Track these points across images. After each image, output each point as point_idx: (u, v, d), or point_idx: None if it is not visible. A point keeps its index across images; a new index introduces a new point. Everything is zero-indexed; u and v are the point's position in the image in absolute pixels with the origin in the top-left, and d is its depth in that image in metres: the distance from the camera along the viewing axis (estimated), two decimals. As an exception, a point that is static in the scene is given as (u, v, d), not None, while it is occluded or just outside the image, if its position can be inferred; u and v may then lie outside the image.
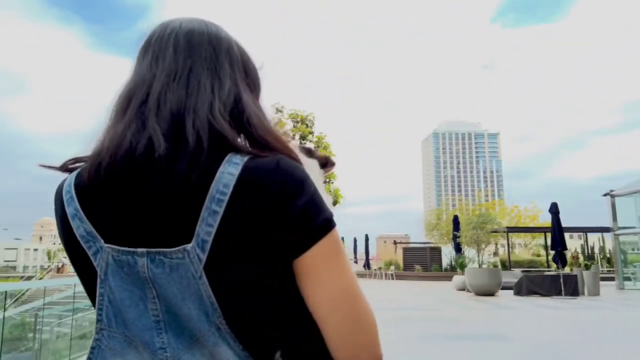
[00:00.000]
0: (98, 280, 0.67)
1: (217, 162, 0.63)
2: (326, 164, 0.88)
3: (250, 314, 0.64)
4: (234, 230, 0.61)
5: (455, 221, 19.63)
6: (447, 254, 24.41)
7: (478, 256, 17.27)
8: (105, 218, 0.67)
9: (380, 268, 26.92)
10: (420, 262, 25.66)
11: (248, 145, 0.69)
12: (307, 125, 12.85)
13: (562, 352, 6.58)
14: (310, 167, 0.78)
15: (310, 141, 12.80)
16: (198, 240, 0.61)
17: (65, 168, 0.74)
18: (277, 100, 13.20)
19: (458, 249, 18.95)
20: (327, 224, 0.65)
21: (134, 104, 0.68)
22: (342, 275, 0.66)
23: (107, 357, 0.67)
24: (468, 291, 15.83)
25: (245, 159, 0.63)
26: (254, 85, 0.78)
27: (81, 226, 0.67)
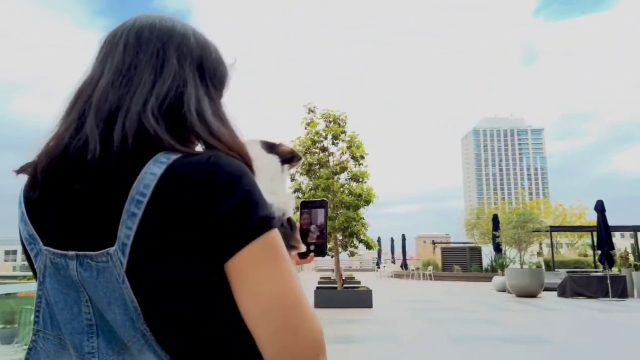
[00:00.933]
0: (37, 283, 0.67)
1: (144, 162, 0.61)
2: (291, 159, 0.84)
3: (176, 319, 0.61)
4: (153, 232, 0.59)
5: (495, 220, 19.05)
6: (488, 254, 23.74)
7: (520, 256, 16.71)
8: (44, 221, 0.67)
9: (418, 269, 26.51)
10: (459, 262, 25.09)
11: (201, 145, 0.67)
12: (339, 125, 12.81)
13: (607, 359, 6.25)
14: (268, 164, 0.75)
15: (343, 141, 12.75)
16: (119, 244, 0.59)
17: (22, 170, 0.73)
18: (310, 101, 13.26)
19: (498, 249, 18.36)
20: (260, 226, 0.61)
21: (79, 104, 0.68)
22: (278, 281, 0.61)
23: (41, 359, 0.67)
24: (509, 293, 15.35)
25: (174, 158, 0.61)
26: (213, 82, 0.75)
27: (25, 229, 0.68)
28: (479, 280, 22.48)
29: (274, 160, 0.78)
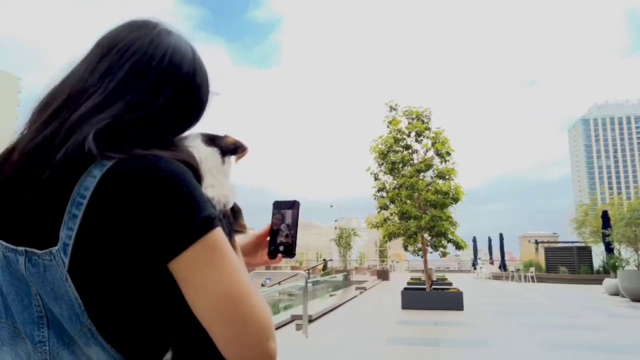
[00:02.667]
0: None
1: (87, 166, 0.63)
2: (235, 149, 0.84)
3: (120, 316, 0.64)
4: (93, 232, 0.61)
5: (605, 217, 17.30)
6: (599, 254, 21.57)
7: (637, 257, 14.97)
8: (4, 213, 0.70)
9: (518, 270, 24.86)
10: (565, 263, 23.08)
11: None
12: (422, 121, 12.46)
13: None
14: (205, 157, 0.76)
15: (427, 137, 12.38)
16: (61, 243, 0.62)
17: None
18: (390, 98, 13.05)
19: (608, 248, 16.62)
20: (201, 228, 0.63)
21: (50, 109, 0.71)
22: (222, 279, 0.63)
23: None
24: (622, 296, 13.84)
25: (114, 161, 0.63)
26: (179, 98, 0.76)
27: None
28: (587, 282, 20.54)
29: (212, 152, 0.78)
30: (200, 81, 0.79)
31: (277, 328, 8.68)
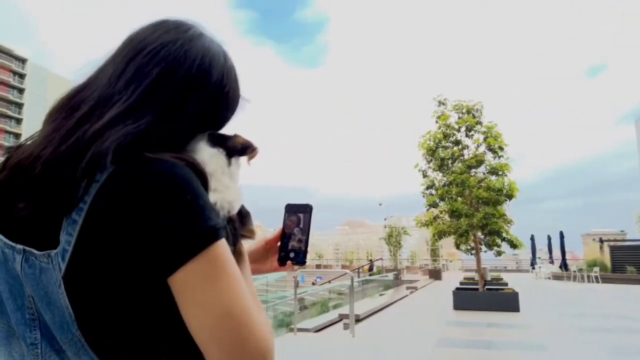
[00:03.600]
0: None
1: (95, 171, 0.61)
2: (243, 150, 0.79)
3: (112, 330, 0.61)
4: (92, 241, 0.59)
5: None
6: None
7: None
8: (2, 208, 0.69)
9: (580, 270, 23.52)
10: (634, 262, 21.60)
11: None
12: (473, 115, 12.02)
13: None
14: (208, 159, 0.72)
15: (478, 132, 11.92)
16: (61, 248, 0.60)
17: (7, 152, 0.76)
18: (439, 93, 12.70)
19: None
20: (204, 240, 0.59)
21: (77, 115, 0.68)
22: (222, 297, 0.59)
23: None
24: (699, 299, 12.77)
25: (119, 165, 0.60)
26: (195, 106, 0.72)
27: None
28: (660, 283, 19.11)
29: (217, 154, 0.74)
30: (229, 88, 0.77)
31: (325, 327, 8.68)
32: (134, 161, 0.61)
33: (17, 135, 76.14)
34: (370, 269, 30.13)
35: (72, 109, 0.68)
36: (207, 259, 0.59)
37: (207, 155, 0.72)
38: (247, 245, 0.86)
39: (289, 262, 0.96)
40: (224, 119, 0.80)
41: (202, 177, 0.65)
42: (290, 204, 0.99)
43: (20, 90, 79.06)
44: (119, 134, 0.63)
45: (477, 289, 11.53)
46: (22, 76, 79.53)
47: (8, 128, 76.56)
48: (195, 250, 0.58)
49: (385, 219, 34.47)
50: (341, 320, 8.93)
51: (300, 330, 8.00)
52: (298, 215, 0.97)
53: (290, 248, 0.96)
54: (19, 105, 78.93)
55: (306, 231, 0.96)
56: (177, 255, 0.58)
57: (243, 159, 0.81)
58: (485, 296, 11.10)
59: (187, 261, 0.58)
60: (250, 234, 0.84)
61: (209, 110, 0.75)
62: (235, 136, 0.79)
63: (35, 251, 0.62)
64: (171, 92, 0.70)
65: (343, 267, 36.83)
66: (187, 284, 0.59)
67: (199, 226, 0.59)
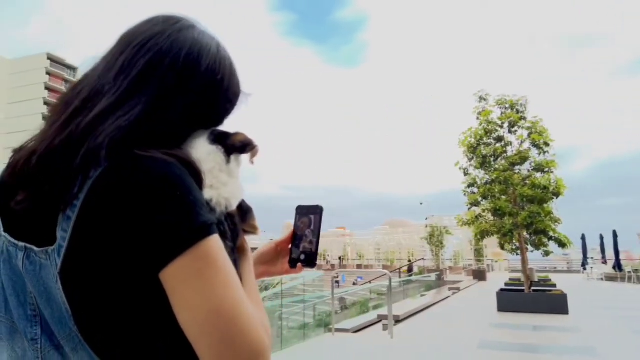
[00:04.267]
0: None
1: (90, 168, 0.61)
2: (243, 148, 0.77)
3: (107, 326, 0.61)
4: (85, 237, 0.59)
5: None
6: None
7: None
8: (8, 207, 0.69)
9: (636, 270, 22.27)
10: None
11: None
12: (517, 110, 11.59)
13: None
14: (206, 156, 0.71)
15: (521, 127, 11.47)
16: (57, 244, 0.61)
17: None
18: (481, 88, 12.33)
19: None
20: (194, 235, 0.58)
21: (69, 110, 0.68)
22: (212, 294, 0.58)
23: None
24: None
25: (110, 162, 0.60)
26: (187, 96, 0.72)
27: None
28: None
29: (214, 151, 0.73)
30: (222, 78, 0.75)
31: (364, 328, 8.61)
32: (125, 158, 0.60)
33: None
34: (410, 270, 29.61)
35: (67, 104, 0.69)
36: (196, 254, 0.58)
37: (205, 152, 0.72)
38: (251, 241, 0.84)
39: (299, 265, 0.95)
40: (221, 112, 0.79)
41: (195, 173, 0.65)
42: (301, 205, 0.98)
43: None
44: (112, 128, 0.63)
45: (522, 290, 11.13)
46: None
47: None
48: (185, 246, 0.58)
49: (426, 219, 33.89)
50: (380, 321, 8.84)
51: (338, 330, 7.97)
52: (309, 216, 0.97)
53: (301, 250, 0.95)
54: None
55: (317, 233, 0.95)
56: (166, 250, 0.58)
57: (245, 157, 0.79)
58: (531, 298, 10.69)
59: (177, 257, 0.57)
60: (253, 230, 0.83)
61: (202, 101, 0.73)
62: (236, 134, 0.78)
63: (35, 248, 0.63)
64: (158, 82, 0.69)
65: (384, 267, 36.51)
66: (176, 280, 0.58)
67: (189, 222, 0.59)
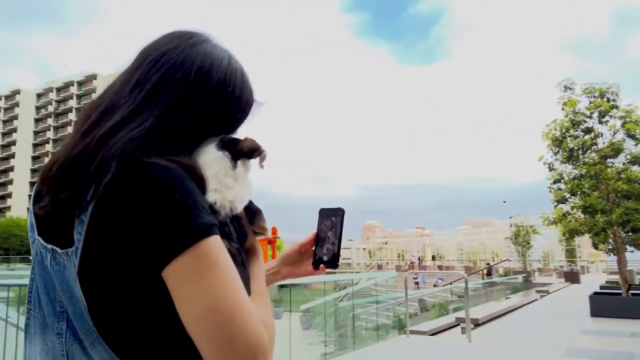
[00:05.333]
0: (31, 267, 0.80)
1: (103, 176, 0.65)
2: (250, 153, 0.80)
3: (120, 322, 0.65)
4: (96, 239, 0.64)
5: None
6: None
7: None
8: (41, 212, 0.77)
9: None
10: None
11: None
12: (608, 99, 10.64)
13: None
14: (211, 162, 0.75)
15: (613, 117, 10.46)
16: (75, 246, 0.66)
17: None
18: (565, 77, 11.49)
19: None
20: (191, 236, 0.61)
21: (88, 122, 0.74)
22: (211, 292, 0.60)
23: (31, 335, 0.77)
24: None
25: (115, 171, 0.64)
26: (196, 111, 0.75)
27: (29, 217, 0.81)
28: None
29: (220, 156, 0.76)
30: (233, 89, 0.79)
31: (442, 331, 8.36)
32: (131, 166, 0.64)
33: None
34: (489, 273, 28.00)
35: (87, 117, 0.75)
36: (195, 255, 0.61)
37: (212, 158, 0.75)
38: (256, 239, 0.86)
39: (322, 266, 0.98)
40: (234, 121, 0.82)
41: (198, 178, 0.68)
42: (324, 208, 1.01)
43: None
44: (123, 139, 0.68)
45: (619, 294, 10.19)
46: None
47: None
48: (184, 246, 0.60)
49: (510, 217, 32.11)
50: (459, 324, 8.53)
51: (413, 332, 7.82)
52: (331, 219, 0.99)
53: (324, 252, 0.98)
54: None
55: (339, 235, 0.97)
56: (166, 251, 0.61)
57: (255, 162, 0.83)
58: (629, 302, 9.76)
59: (176, 257, 0.60)
60: (263, 231, 0.86)
61: (213, 111, 0.77)
62: (244, 140, 0.80)
63: (59, 250, 0.68)
64: (170, 95, 0.73)
65: (466, 268, 35.09)
66: (176, 279, 0.61)
67: (188, 223, 0.61)
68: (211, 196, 0.71)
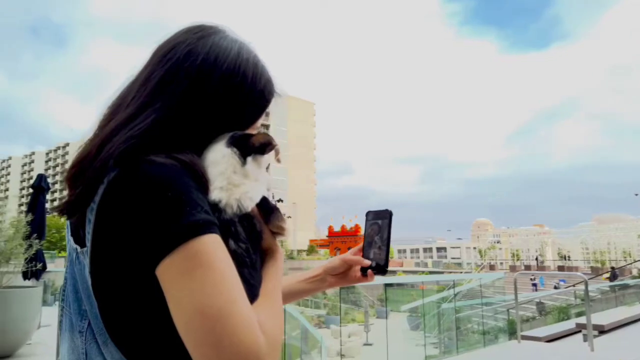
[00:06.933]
0: (66, 265, 0.82)
1: (104, 175, 0.66)
2: (261, 148, 0.76)
3: (129, 324, 0.64)
4: (101, 237, 0.64)
5: None
6: None
7: None
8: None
9: None
10: None
11: None
12: None
13: None
14: (218, 159, 0.73)
15: None
16: (87, 246, 0.67)
17: None
18: None
19: None
20: (179, 236, 0.59)
21: (103, 120, 0.75)
22: (198, 293, 0.57)
23: (63, 332, 0.79)
24: None
25: (117, 170, 0.64)
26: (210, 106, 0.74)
27: (67, 220, 0.83)
28: None
29: (228, 153, 0.73)
30: (242, 81, 0.76)
31: (560, 337, 7.61)
32: (129, 164, 0.64)
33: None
34: (613, 277, 24.42)
35: (103, 115, 0.76)
36: (186, 253, 0.58)
37: (219, 155, 0.73)
38: (275, 240, 0.80)
39: (370, 272, 0.94)
40: (248, 115, 0.79)
41: (197, 175, 0.66)
42: (371, 211, 0.97)
43: (267, 114, 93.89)
44: (123, 138, 0.67)
45: None
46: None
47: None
48: (173, 245, 0.58)
49: (646, 212, 28.25)
50: (580, 330, 7.69)
51: (526, 338, 7.21)
52: (378, 222, 0.95)
53: (371, 257, 0.94)
54: (266, 127, 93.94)
55: (386, 239, 0.93)
56: (156, 249, 0.59)
57: (270, 158, 0.79)
58: None
59: (166, 255, 0.58)
60: (279, 230, 0.79)
61: (223, 105, 0.75)
62: (256, 135, 0.77)
63: (79, 249, 0.70)
64: (173, 91, 0.72)
65: (592, 269, 31.75)
66: (166, 278, 0.59)
67: (178, 221, 0.59)
68: (216, 194, 0.69)
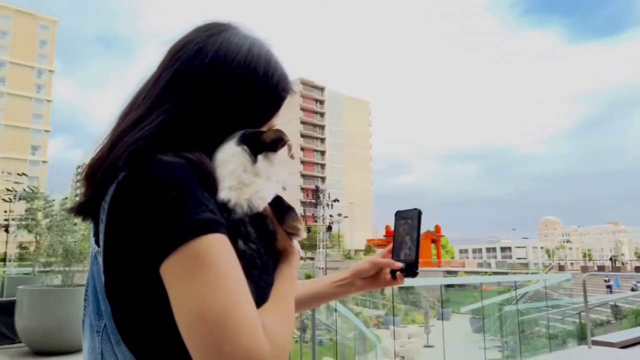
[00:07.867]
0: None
1: (115, 176, 0.66)
2: (273, 145, 0.74)
3: (139, 324, 0.65)
4: (111, 238, 0.65)
5: None
6: None
7: None
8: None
9: None
10: None
11: None
12: None
13: None
14: (229, 159, 0.72)
15: None
16: (101, 246, 0.67)
17: None
18: None
19: None
20: (181, 235, 0.58)
21: (116, 122, 0.76)
22: (199, 294, 0.56)
23: (84, 331, 0.79)
24: None
25: (126, 171, 0.65)
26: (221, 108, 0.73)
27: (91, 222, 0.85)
28: None
29: (239, 152, 0.72)
30: (254, 78, 0.75)
31: (638, 343, 7.05)
32: (137, 164, 0.64)
33: (322, 153, 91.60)
34: None
35: (117, 117, 0.77)
36: (188, 253, 0.57)
37: (229, 154, 0.72)
38: (290, 241, 0.78)
39: (399, 274, 0.92)
40: (260, 112, 0.77)
41: (204, 174, 0.65)
42: (400, 210, 0.95)
43: (322, 115, 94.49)
44: (133, 139, 0.68)
45: None
46: (322, 102, 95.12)
47: (315, 147, 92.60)
48: (175, 244, 0.57)
49: None
50: (659, 337, 7.08)
51: (598, 343, 6.72)
52: (407, 222, 0.93)
53: (401, 258, 0.92)
54: (322, 127, 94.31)
55: (416, 239, 0.90)
56: (159, 248, 0.59)
57: (283, 155, 0.77)
58: None
59: (168, 255, 0.58)
60: (295, 231, 0.77)
61: (235, 102, 0.73)
62: (267, 131, 0.75)
63: (97, 249, 0.70)
64: (183, 90, 0.71)
65: (676, 269, 29.13)
66: (169, 278, 0.58)
67: (181, 220, 0.58)
68: (225, 194, 0.67)
